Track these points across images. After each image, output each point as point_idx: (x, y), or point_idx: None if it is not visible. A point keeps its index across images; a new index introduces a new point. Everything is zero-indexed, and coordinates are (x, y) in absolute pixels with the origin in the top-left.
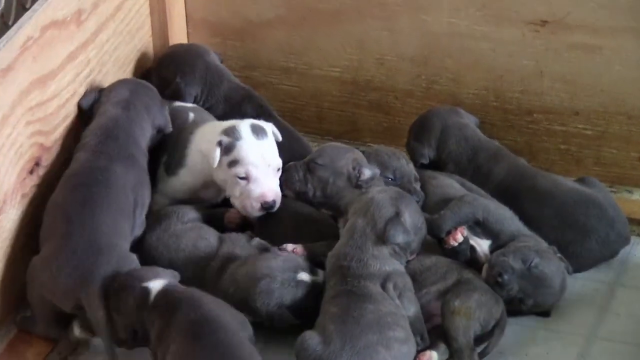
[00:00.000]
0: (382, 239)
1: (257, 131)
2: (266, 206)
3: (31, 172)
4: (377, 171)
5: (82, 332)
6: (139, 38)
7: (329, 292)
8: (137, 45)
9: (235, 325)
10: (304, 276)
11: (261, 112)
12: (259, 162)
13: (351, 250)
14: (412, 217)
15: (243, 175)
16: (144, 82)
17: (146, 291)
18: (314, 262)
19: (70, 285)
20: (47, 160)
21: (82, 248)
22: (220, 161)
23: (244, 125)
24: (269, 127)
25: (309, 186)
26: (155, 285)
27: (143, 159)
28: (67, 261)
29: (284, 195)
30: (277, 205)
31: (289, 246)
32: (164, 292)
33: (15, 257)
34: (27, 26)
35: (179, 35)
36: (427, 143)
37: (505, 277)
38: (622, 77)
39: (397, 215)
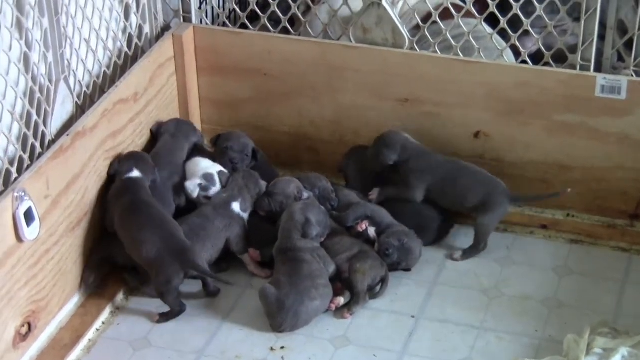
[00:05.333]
0: (305, 235)
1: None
2: None
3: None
4: (311, 193)
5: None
6: (171, 109)
7: (278, 265)
8: (170, 113)
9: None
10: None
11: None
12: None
13: (284, 240)
14: (315, 217)
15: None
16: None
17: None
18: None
19: None
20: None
21: None
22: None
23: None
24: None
25: (272, 206)
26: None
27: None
28: None
29: (257, 214)
30: None
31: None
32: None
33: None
34: (104, 102)
35: (193, 107)
36: (394, 150)
37: (390, 251)
38: (452, 130)
39: (307, 220)
